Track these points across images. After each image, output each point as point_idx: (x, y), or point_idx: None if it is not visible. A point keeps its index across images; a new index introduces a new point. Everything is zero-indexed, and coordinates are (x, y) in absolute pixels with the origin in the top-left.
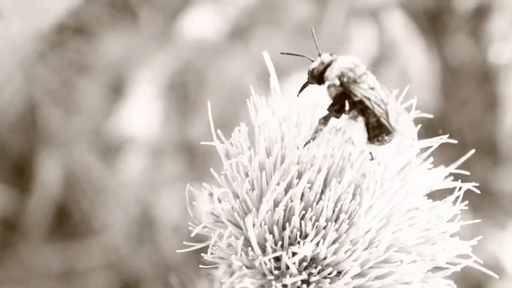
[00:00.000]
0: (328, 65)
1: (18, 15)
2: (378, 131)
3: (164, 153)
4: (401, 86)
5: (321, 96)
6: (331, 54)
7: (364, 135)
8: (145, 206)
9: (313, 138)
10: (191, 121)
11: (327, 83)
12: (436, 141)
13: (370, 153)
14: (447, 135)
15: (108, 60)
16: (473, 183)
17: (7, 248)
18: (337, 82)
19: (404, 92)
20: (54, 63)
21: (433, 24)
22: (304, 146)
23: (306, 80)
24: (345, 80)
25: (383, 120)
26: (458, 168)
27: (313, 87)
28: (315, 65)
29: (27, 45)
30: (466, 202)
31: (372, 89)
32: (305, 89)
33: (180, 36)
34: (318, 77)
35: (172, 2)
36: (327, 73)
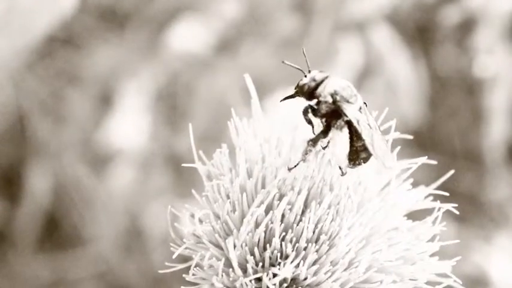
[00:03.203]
0: (321, 82)
1: (7, 29)
2: (357, 152)
3: (152, 165)
4: (388, 97)
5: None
6: (320, 71)
7: (347, 147)
8: (134, 217)
9: (303, 160)
10: (179, 133)
11: (318, 99)
12: (415, 162)
13: (340, 167)
14: (426, 157)
15: (96, 71)
16: (453, 204)
17: None
18: (330, 99)
19: (383, 113)
20: (43, 74)
21: (420, 34)
22: (295, 167)
23: (292, 92)
24: (338, 98)
25: (367, 144)
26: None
27: (295, 102)
28: (306, 81)
29: (16, 56)
30: (444, 223)
31: (360, 112)
32: (289, 100)
33: (167, 49)
34: (308, 93)
35: (159, 15)
36: (319, 90)
